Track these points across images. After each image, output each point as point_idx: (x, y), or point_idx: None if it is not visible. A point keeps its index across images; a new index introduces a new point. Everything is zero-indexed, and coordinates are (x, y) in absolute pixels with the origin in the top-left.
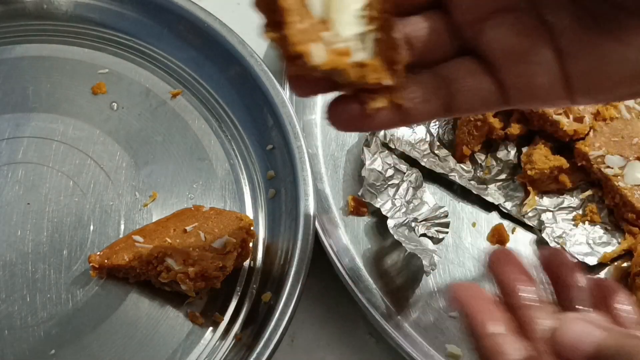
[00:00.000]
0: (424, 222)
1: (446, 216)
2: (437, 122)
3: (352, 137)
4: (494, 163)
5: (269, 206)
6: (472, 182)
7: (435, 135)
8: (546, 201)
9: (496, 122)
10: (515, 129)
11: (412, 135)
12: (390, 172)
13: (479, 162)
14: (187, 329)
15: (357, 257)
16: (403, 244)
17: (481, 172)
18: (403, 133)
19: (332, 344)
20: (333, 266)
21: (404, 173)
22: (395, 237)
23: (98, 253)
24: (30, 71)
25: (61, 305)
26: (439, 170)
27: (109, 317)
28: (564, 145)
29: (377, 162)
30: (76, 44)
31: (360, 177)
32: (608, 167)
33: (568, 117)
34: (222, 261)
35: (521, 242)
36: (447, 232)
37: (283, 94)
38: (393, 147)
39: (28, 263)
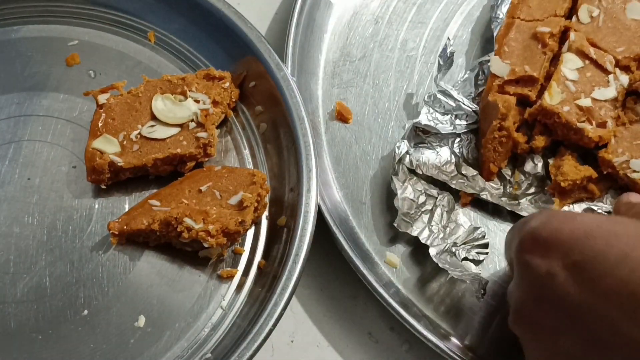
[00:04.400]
0: (463, 246)
1: (484, 237)
2: (460, 142)
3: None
4: (523, 178)
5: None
6: (503, 198)
7: (459, 155)
8: (577, 208)
9: (520, 137)
10: (539, 141)
11: (437, 159)
12: (422, 198)
13: (507, 177)
14: (213, 266)
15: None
16: (449, 272)
17: (511, 188)
18: (428, 157)
19: (332, 344)
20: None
21: (436, 198)
22: (440, 265)
23: (117, 220)
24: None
25: (83, 268)
26: (469, 190)
27: (134, 269)
28: (587, 152)
29: (408, 190)
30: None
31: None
32: (634, 171)
33: (591, 124)
34: (240, 216)
35: None
36: (487, 253)
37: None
38: (420, 172)
39: (43, 235)
